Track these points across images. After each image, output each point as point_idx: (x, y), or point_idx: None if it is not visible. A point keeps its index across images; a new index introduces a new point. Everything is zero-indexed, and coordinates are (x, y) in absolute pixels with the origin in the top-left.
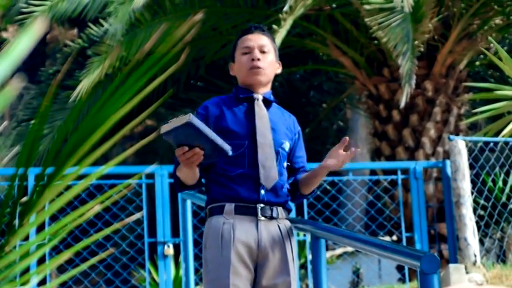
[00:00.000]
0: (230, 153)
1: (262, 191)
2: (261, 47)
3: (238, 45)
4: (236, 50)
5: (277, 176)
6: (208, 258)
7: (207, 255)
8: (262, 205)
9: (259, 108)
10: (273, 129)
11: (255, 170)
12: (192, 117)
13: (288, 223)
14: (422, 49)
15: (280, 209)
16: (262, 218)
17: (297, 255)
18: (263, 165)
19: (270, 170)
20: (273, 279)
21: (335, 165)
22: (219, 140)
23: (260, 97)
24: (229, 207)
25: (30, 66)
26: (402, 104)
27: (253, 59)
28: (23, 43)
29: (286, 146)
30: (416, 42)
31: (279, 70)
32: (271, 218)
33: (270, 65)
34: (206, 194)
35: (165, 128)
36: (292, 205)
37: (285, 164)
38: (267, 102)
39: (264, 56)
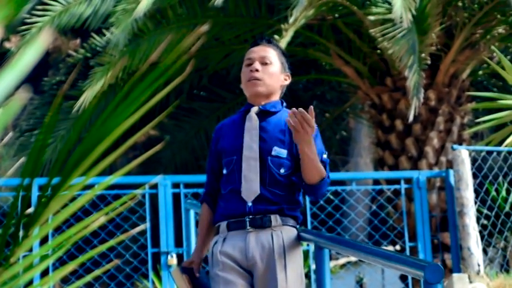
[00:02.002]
0: None
1: (249, 203)
2: (262, 59)
3: (244, 57)
4: (243, 63)
5: (258, 189)
6: (210, 276)
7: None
8: (250, 216)
9: (250, 121)
10: (262, 139)
11: (241, 184)
12: None
13: (287, 230)
14: (429, 61)
15: (274, 216)
16: (251, 229)
17: (298, 263)
18: (246, 179)
19: (251, 183)
20: (262, 287)
21: (297, 133)
22: None
23: (254, 109)
24: (223, 225)
25: (33, 76)
26: (411, 117)
27: (251, 70)
28: (28, 55)
29: (281, 151)
30: (423, 54)
31: (286, 82)
32: (262, 227)
33: (270, 76)
34: None
35: (174, 275)
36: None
37: (283, 171)
38: (266, 113)
39: (264, 67)
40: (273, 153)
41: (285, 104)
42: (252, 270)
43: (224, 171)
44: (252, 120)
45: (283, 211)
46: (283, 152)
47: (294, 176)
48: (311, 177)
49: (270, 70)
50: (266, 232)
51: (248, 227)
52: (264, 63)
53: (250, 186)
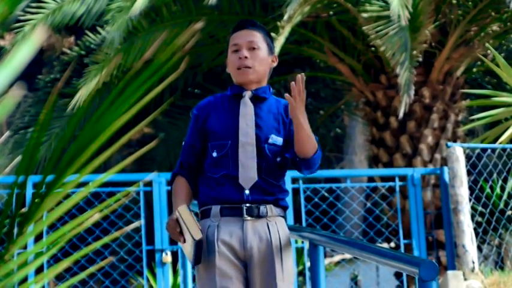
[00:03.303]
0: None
1: (247, 191)
2: (249, 44)
3: (230, 42)
4: (228, 48)
5: (256, 176)
6: (203, 260)
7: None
8: (247, 205)
9: (244, 106)
10: (258, 126)
11: (237, 170)
12: (200, 239)
13: (280, 221)
14: (420, 59)
15: (269, 206)
16: (248, 218)
17: (291, 254)
18: (243, 165)
19: (249, 170)
20: (259, 279)
21: (294, 105)
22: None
23: (248, 94)
24: (216, 209)
25: (27, 74)
26: (401, 114)
27: (240, 58)
28: (22, 52)
29: (277, 139)
30: (414, 52)
31: (274, 64)
32: (259, 216)
33: (260, 62)
34: (198, 197)
35: (182, 211)
36: (289, 202)
37: (278, 159)
38: (259, 98)
39: (253, 53)
40: (270, 141)
41: (272, 90)
42: (247, 261)
43: (214, 154)
44: (247, 106)
45: (278, 202)
46: (279, 140)
47: (284, 167)
48: (308, 149)
49: (259, 56)
50: (262, 222)
51: (245, 215)
52: (251, 48)
53: (248, 172)
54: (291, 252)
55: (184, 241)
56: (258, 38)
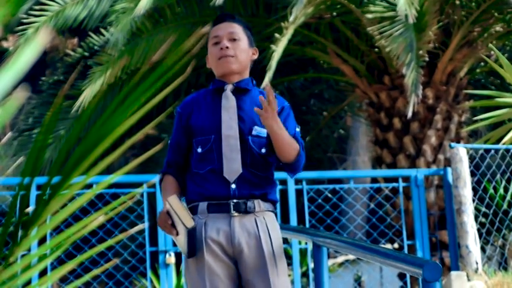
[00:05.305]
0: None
1: (233, 186)
2: (230, 35)
3: (210, 36)
4: (208, 42)
5: (240, 168)
6: (188, 261)
7: (185, 258)
8: (235, 200)
9: (226, 99)
10: (241, 119)
11: (222, 164)
12: (192, 227)
13: (269, 215)
14: (426, 58)
15: (257, 201)
16: (235, 214)
17: (282, 249)
18: (227, 158)
19: (234, 163)
20: (251, 275)
21: (265, 115)
22: (183, 248)
23: (229, 87)
24: (203, 206)
25: (31, 75)
26: (409, 114)
27: (221, 48)
28: (26, 54)
29: (261, 131)
30: (420, 52)
31: (255, 56)
32: (246, 212)
33: (241, 52)
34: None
35: (172, 200)
36: (292, 204)
37: (264, 150)
38: (241, 91)
39: (234, 43)
40: (254, 132)
41: (254, 82)
42: (237, 257)
43: (199, 150)
44: (229, 99)
45: (266, 196)
46: (263, 132)
47: (270, 158)
48: (288, 155)
49: (240, 46)
50: (249, 217)
51: (232, 211)
52: (232, 40)
53: (232, 165)
54: (281, 247)
55: (177, 234)
56: (238, 29)
